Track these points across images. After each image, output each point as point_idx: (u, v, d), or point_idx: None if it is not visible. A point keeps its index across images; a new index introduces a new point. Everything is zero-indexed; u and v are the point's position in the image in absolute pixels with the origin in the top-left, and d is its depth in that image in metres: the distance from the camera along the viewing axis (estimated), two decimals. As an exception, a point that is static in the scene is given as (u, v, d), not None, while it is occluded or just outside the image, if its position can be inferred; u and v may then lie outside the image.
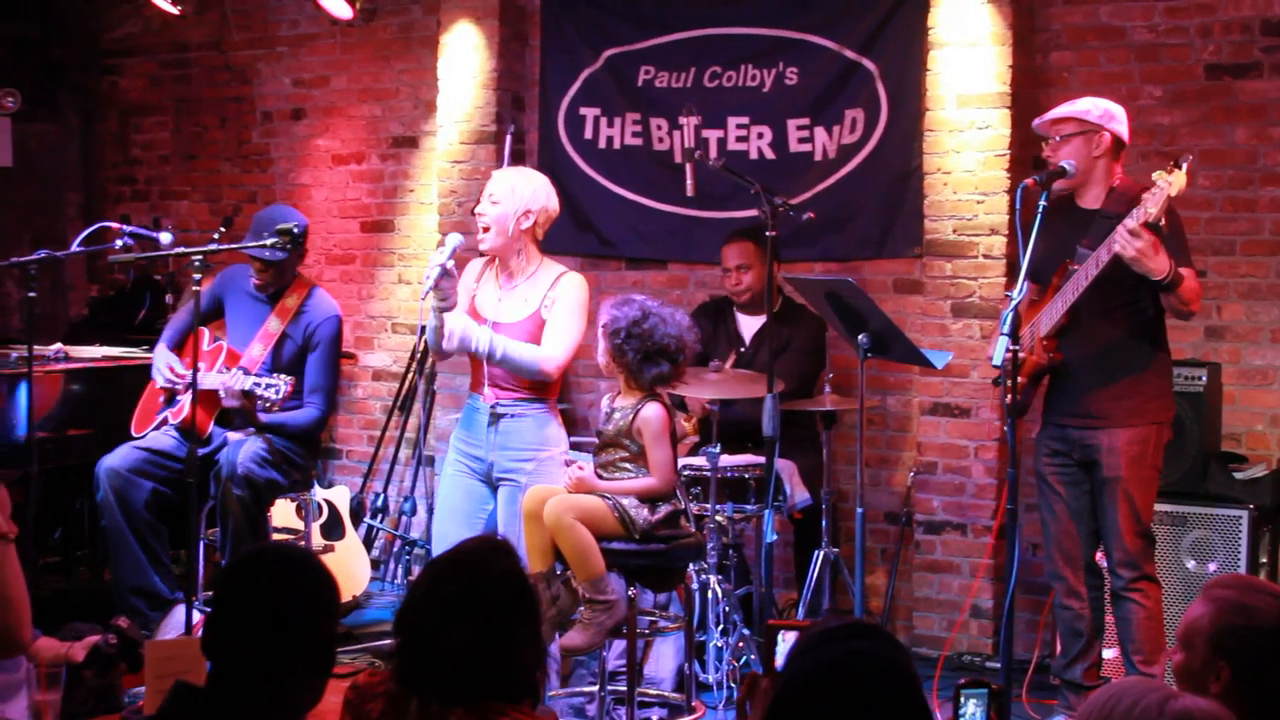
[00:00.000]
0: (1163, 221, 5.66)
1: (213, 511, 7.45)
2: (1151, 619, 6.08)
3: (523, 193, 6.32)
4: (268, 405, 7.02)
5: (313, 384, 7.40)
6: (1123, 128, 6.10)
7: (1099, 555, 6.31)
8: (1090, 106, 6.09)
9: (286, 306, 7.43)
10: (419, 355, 8.93)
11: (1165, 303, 5.97)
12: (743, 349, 7.69)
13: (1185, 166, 5.63)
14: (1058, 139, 6.10)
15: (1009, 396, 5.59)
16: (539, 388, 6.32)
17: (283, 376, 7.02)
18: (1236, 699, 3.46)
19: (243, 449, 7.10)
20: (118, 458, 7.24)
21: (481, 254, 6.47)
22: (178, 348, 7.49)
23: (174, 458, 7.23)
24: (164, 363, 7.41)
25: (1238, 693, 3.49)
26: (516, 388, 6.30)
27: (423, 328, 6.43)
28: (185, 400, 7.28)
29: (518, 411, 6.27)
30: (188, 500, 6.54)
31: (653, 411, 5.99)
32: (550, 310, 6.28)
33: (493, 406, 6.31)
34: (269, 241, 6.87)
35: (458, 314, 6.22)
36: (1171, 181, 5.60)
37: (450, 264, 6.16)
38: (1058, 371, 6.14)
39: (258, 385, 6.99)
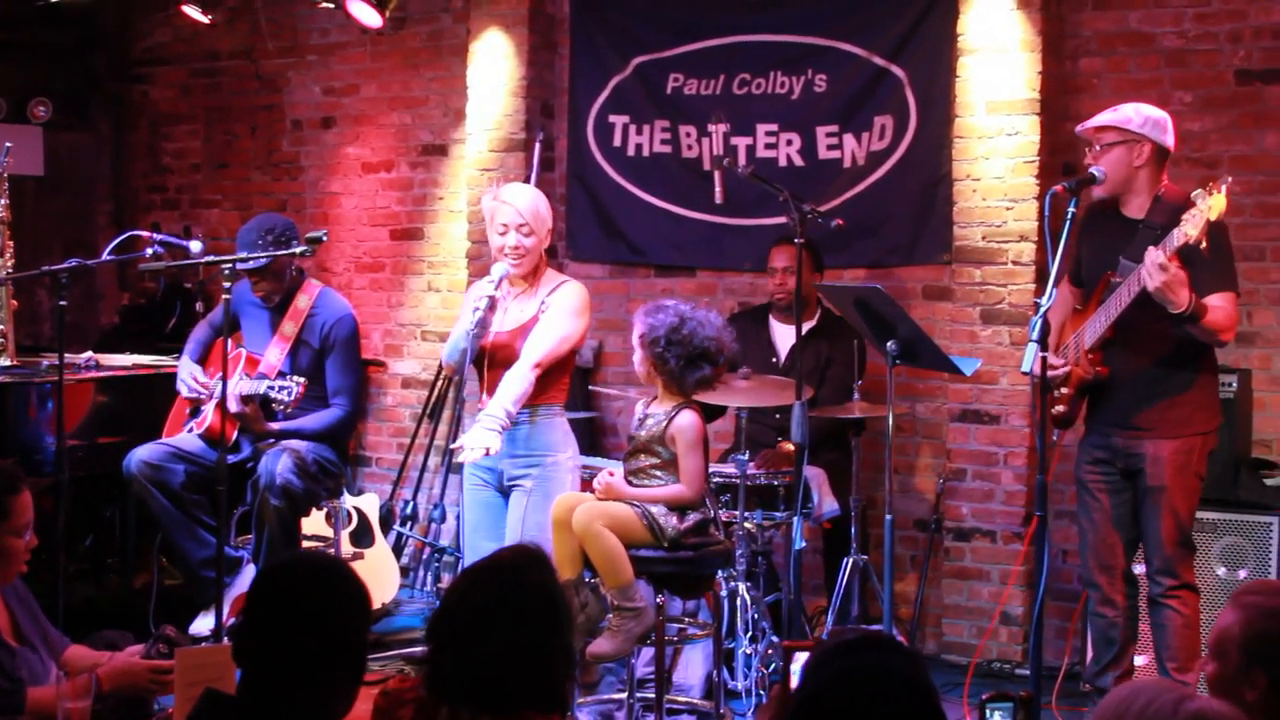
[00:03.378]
0: (1203, 244, 5.59)
1: (244, 518, 7.49)
2: (1188, 627, 6.06)
3: (546, 217, 6.34)
4: (283, 407, 7.06)
5: (335, 386, 7.43)
6: (1167, 137, 6.03)
7: (1134, 564, 6.30)
8: (1132, 115, 6.04)
9: (298, 308, 7.46)
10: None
11: (1190, 332, 5.89)
12: (775, 359, 7.70)
13: (1224, 189, 5.57)
14: (1099, 147, 6.06)
15: (1043, 405, 5.59)
16: (541, 392, 6.24)
17: (295, 378, 7.05)
18: (1274, 706, 3.45)
19: (280, 460, 7.11)
20: (146, 451, 7.28)
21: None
22: (201, 360, 7.56)
23: (201, 460, 7.26)
24: (187, 373, 7.47)
25: (1276, 699, 3.47)
26: None
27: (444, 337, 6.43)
28: (208, 409, 7.33)
29: (520, 418, 6.21)
30: (217, 505, 6.58)
31: (687, 420, 5.99)
32: (543, 314, 6.30)
33: None
34: (298, 250, 6.89)
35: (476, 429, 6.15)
36: (1211, 205, 5.54)
37: (498, 294, 6.19)
38: (1103, 383, 6.10)
39: (271, 388, 7.02)
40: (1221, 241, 5.84)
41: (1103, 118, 6.10)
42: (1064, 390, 6.14)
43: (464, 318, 6.30)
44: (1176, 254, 5.62)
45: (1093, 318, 6.03)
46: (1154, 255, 5.64)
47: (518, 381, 6.08)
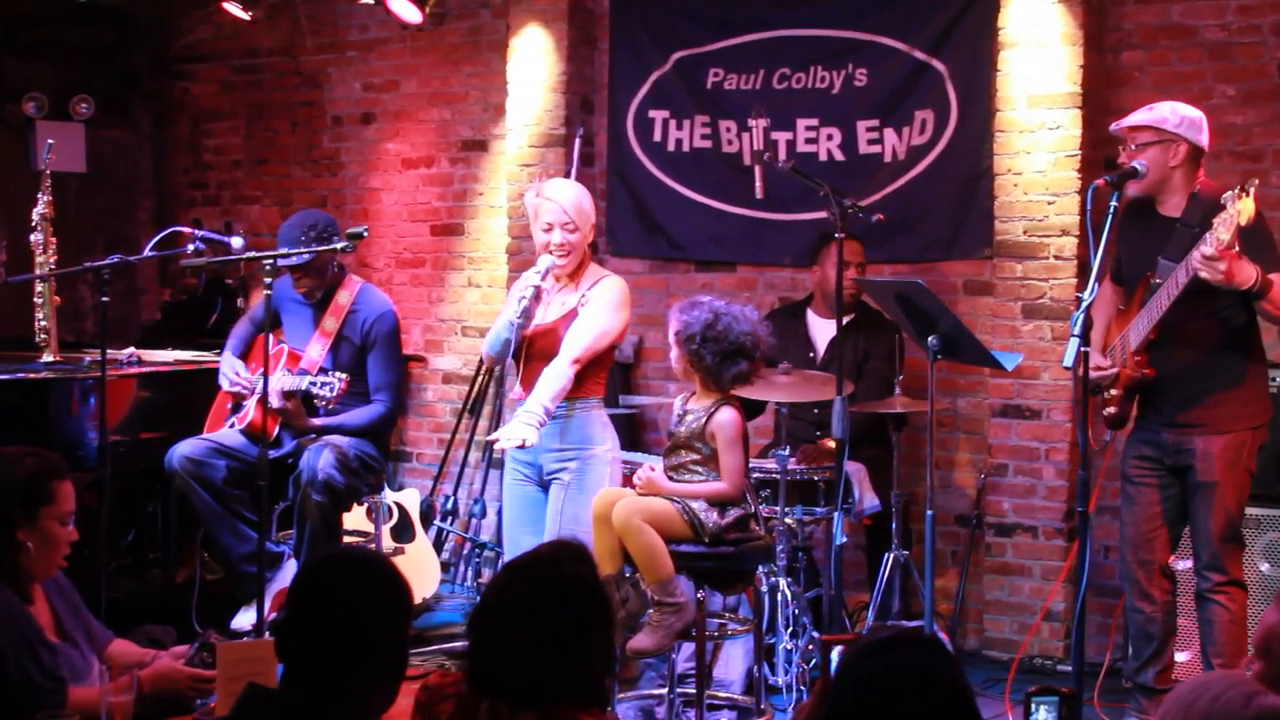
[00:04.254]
0: (1236, 247, 5.57)
1: (286, 513, 7.51)
2: (1235, 623, 6.04)
3: (589, 212, 6.37)
4: (325, 403, 7.07)
5: (377, 382, 7.44)
6: (1202, 136, 6.02)
7: (1173, 559, 6.28)
8: (1168, 114, 6.01)
9: (340, 304, 7.48)
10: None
11: (1259, 311, 5.90)
12: (812, 354, 7.68)
13: (1252, 192, 5.55)
14: (1134, 146, 6.04)
15: (1081, 401, 5.57)
16: (579, 386, 6.24)
17: (337, 374, 7.07)
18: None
19: (323, 455, 7.13)
20: (188, 446, 7.30)
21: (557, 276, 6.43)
22: (242, 357, 7.58)
23: (242, 455, 7.27)
24: (229, 368, 7.49)
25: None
26: None
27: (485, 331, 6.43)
28: (250, 405, 7.35)
29: (558, 412, 6.22)
30: (258, 500, 6.59)
31: (727, 416, 5.98)
32: (583, 308, 6.31)
33: None
34: (339, 245, 6.89)
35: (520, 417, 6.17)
36: (1240, 209, 5.51)
37: (545, 284, 6.21)
38: (1151, 383, 6.08)
39: (314, 384, 7.05)
40: (1259, 231, 5.82)
41: (1138, 117, 6.08)
42: (1113, 392, 6.12)
43: (507, 309, 6.31)
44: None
45: (1136, 320, 6.02)
46: (1202, 250, 5.60)
47: (556, 378, 6.08)
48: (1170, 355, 6.01)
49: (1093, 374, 5.89)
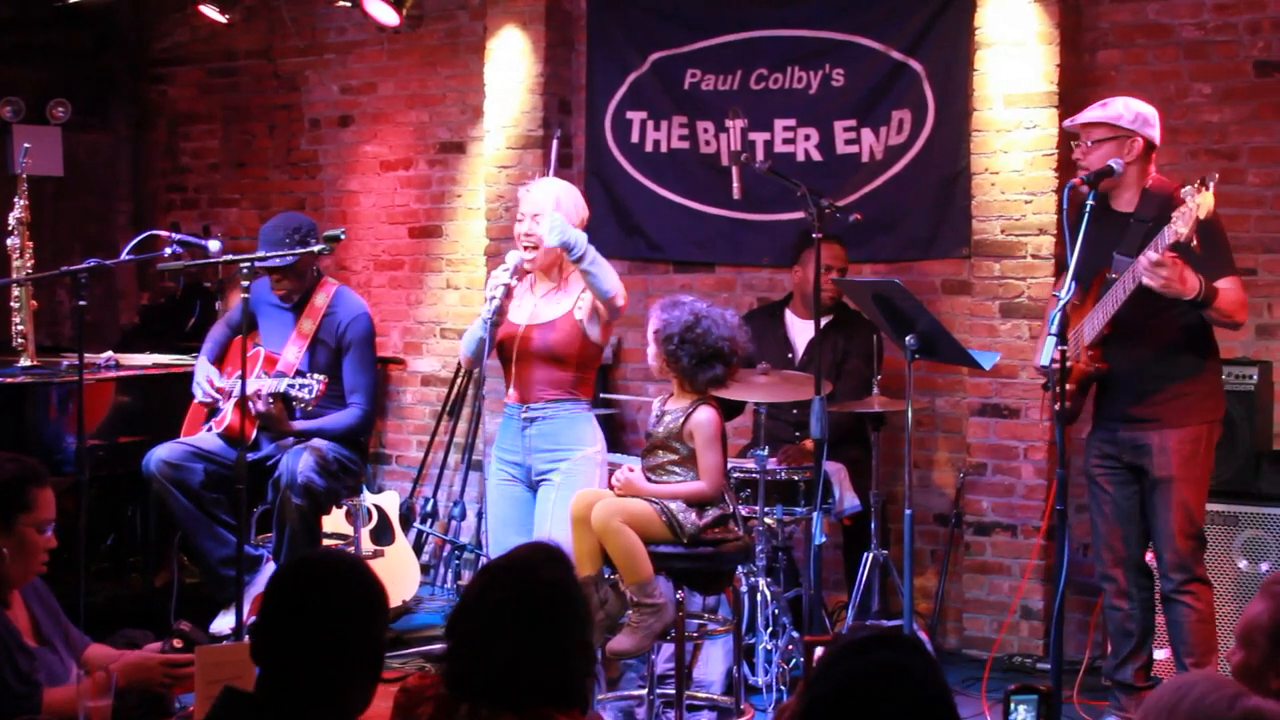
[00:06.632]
0: (1194, 242, 5.59)
1: (264, 516, 7.49)
2: (1203, 621, 6.05)
3: (568, 209, 6.33)
4: (303, 405, 7.05)
5: (351, 385, 7.42)
6: (1155, 131, 6.07)
7: (1149, 556, 6.29)
8: (1122, 111, 6.05)
9: (316, 306, 7.46)
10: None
11: (1206, 317, 5.92)
12: (791, 355, 7.68)
13: (1211, 186, 5.57)
14: (1089, 143, 6.07)
15: (1057, 398, 5.58)
16: (569, 387, 6.31)
17: (315, 375, 7.06)
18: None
19: (301, 458, 7.11)
20: (165, 450, 7.26)
21: (527, 271, 6.43)
22: (218, 360, 7.56)
23: (220, 458, 7.24)
24: (203, 376, 7.45)
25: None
26: (547, 389, 6.31)
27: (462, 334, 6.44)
28: (227, 408, 7.32)
29: (548, 413, 6.27)
30: (235, 503, 6.57)
31: (705, 415, 5.99)
32: (578, 310, 6.32)
33: (524, 410, 6.32)
34: (316, 248, 6.89)
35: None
36: (1200, 203, 5.53)
37: (514, 282, 6.21)
38: (1105, 378, 6.11)
39: (292, 386, 7.03)
40: (1214, 231, 5.84)
41: (1091, 114, 6.12)
42: (1067, 386, 6.13)
43: (482, 310, 6.33)
44: (1170, 249, 5.63)
45: (1090, 314, 6.04)
46: (1147, 254, 5.65)
47: (613, 273, 6.23)
48: (1125, 350, 6.04)
49: (1043, 365, 5.93)
